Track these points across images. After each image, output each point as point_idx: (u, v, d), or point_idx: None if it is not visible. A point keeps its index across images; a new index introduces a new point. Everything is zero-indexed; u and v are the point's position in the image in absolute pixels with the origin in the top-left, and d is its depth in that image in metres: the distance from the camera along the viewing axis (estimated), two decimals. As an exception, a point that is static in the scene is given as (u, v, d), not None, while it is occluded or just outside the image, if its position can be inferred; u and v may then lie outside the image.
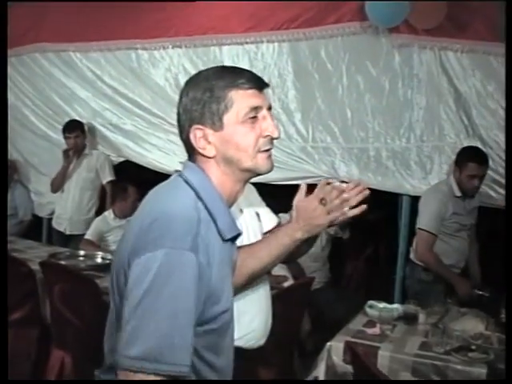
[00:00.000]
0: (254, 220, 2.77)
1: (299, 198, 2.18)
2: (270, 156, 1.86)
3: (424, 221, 4.56)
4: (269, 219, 2.91)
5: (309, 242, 2.26)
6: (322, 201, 2.12)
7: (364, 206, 2.15)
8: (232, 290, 1.88)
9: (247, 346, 2.71)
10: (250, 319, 2.72)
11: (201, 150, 1.79)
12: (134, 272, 1.61)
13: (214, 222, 1.75)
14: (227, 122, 1.76)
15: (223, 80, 1.76)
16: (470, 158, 4.47)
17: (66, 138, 6.15)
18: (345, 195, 2.12)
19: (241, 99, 1.76)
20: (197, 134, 1.78)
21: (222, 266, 1.75)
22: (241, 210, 2.35)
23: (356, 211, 2.14)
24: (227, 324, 1.82)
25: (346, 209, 2.12)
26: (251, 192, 2.81)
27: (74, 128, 6.16)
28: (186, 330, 1.60)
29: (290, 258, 2.36)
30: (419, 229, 4.58)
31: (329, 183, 2.17)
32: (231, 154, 1.78)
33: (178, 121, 1.83)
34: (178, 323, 1.58)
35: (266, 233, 2.70)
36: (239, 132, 1.77)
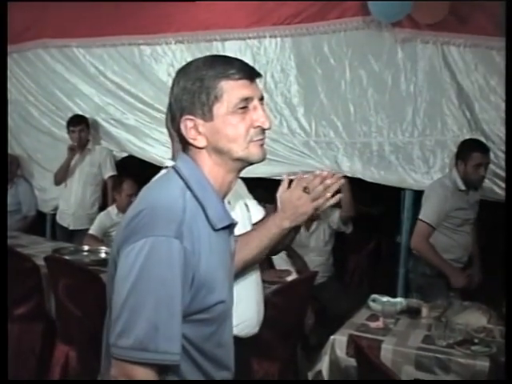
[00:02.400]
0: (244, 211, 2.79)
1: (282, 189, 2.26)
2: (262, 145, 1.82)
3: (424, 212, 4.58)
4: (257, 210, 2.94)
5: (295, 230, 2.35)
6: (306, 189, 2.18)
7: (340, 195, 2.21)
8: (230, 282, 1.90)
9: (242, 334, 2.72)
10: (244, 308, 2.73)
11: (191, 141, 1.79)
12: (121, 262, 1.64)
13: (204, 211, 1.75)
14: (217, 113, 1.75)
15: (214, 70, 1.75)
16: (474, 148, 4.52)
17: (70, 131, 6.17)
18: (327, 181, 2.17)
19: (231, 90, 1.74)
20: (187, 125, 1.77)
21: (214, 255, 1.75)
22: (229, 202, 2.38)
23: (336, 199, 2.20)
24: (224, 315, 1.82)
25: (329, 195, 2.17)
26: (239, 184, 2.84)
27: (78, 122, 6.18)
28: (174, 318, 1.62)
29: (278, 247, 2.45)
30: (418, 219, 4.61)
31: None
32: (222, 145, 1.77)
33: (170, 110, 1.84)
34: (166, 311, 1.60)
35: (254, 224, 2.73)
36: (229, 122, 1.75)
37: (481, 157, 4.48)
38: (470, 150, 4.52)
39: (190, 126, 1.77)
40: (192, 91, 1.75)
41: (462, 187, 4.58)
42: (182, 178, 1.78)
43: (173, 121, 1.84)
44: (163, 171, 2.57)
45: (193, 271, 1.67)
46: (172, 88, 1.82)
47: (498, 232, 4.62)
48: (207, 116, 1.75)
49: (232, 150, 1.77)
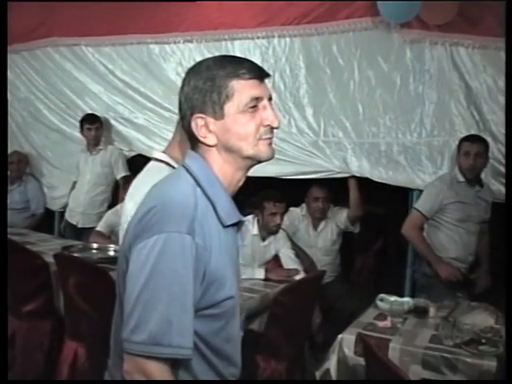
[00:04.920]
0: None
1: None
2: (270, 144, 1.85)
3: (419, 202, 4.74)
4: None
5: None
6: None
7: None
8: (238, 278, 1.92)
9: None
10: None
11: (202, 139, 1.81)
12: (134, 258, 1.66)
13: (214, 208, 1.78)
14: (228, 111, 1.77)
15: (224, 70, 1.77)
16: (464, 139, 4.66)
17: (86, 129, 6.21)
18: None
19: (242, 89, 1.77)
20: (198, 123, 1.80)
21: (224, 251, 1.77)
22: None
23: None
24: (232, 310, 1.84)
25: None
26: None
27: (94, 120, 6.23)
28: (187, 313, 1.65)
29: None
30: (413, 208, 4.77)
31: None
32: (232, 143, 1.80)
33: (180, 109, 1.87)
34: (179, 306, 1.63)
35: None
36: (240, 121, 1.78)
37: (468, 145, 4.58)
38: (461, 141, 4.65)
39: (200, 124, 1.80)
40: (203, 90, 1.78)
41: (461, 178, 4.64)
42: (191, 175, 1.80)
43: (183, 119, 1.86)
44: (152, 163, 2.57)
45: (204, 267, 1.69)
46: (182, 87, 1.85)
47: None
48: (218, 114, 1.78)
49: (242, 148, 1.80)
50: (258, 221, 4.86)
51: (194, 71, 1.82)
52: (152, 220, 1.67)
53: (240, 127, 1.78)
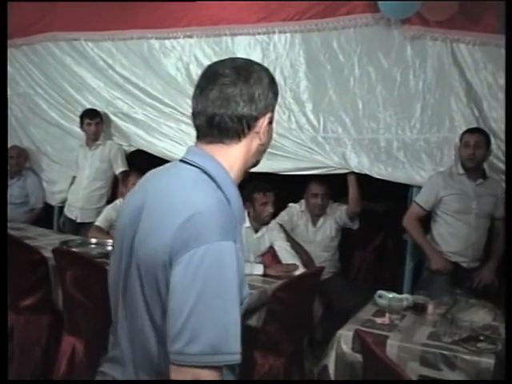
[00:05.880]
0: None
1: None
2: None
3: (418, 195, 4.85)
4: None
5: None
6: None
7: None
8: None
9: None
10: None
11: (261, 135, 1.86)
12: (182, 269, 1.62)
13: (232, 208, 1.76)
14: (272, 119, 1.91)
15: (275, 85, 1.91)
16: (464, 132, 4.72)
17: (86, 124, 6.22)
18: None
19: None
20: (264, 122, 1.85)
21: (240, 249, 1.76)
22: None
23: None
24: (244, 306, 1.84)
25: None
26: None
27: (94, 115, 6.24)
28: (238, 318, 1.65)
29: None
30: (413, 201, 4.88)
31: None
32: (267, 144, 1.92)
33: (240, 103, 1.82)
34: (231, 312, 1.63)
35: None
36: (272, 129, 1.91)
37: (468, 136, 4.65)
38: (463, 134, 4.71)
39: (265, 123, 1.85)
40: (269, 96, 1.85)
41: (461, 171, 4.69)
42: (211, 178, 1.78)
43: (239, 118, 1.82)
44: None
45: (241, 269, 1.69)
46: (250, 81, 1.83)
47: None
48: (271, 118, 1.88)
49: (265, 151, 1.93)
50: (249, 213, 4.87)
51: (255, 74, 1.85)
52: (195, 229, 1.63)
53: (271, 133, 1.92)
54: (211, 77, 1.82)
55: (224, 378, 1.68)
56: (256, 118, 1.82)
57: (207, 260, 1.60)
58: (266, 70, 1.89)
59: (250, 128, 1.82)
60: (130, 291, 1.79)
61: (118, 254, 1.84)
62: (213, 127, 1.80)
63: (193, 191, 1.75)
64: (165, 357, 1.65)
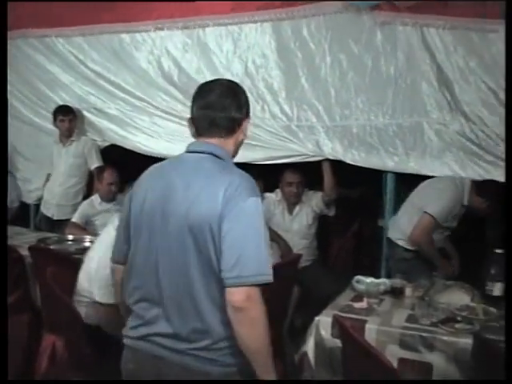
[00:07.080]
0: None
1: None
2: None
3: (434, 208, 4.66)
4: None
5: None
6: None
7: None
8: None
9: None
10: None
11: (245, 137, 2.57)
12: (233, 218, 2.23)
13: None
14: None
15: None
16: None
17: (59, 121, 6.20)
18: None
19: None
20: (246, 122, 2.55)
21: None
22: None
23: None
24: None
25: None
26: None
27: (67, 111, 6.22)
28: (267, 249, 2.27)
29: None
30: (426, 213, 4.67)
31: None
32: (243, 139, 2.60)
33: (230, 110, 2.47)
34: (265, 246, 2.25)
35: None
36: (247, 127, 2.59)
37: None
38: None
39: (247, 122, 2.56)
40: (247, 103, 2.56)
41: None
42: (222, 160, 2.45)
43: (233, 120, 2.48)
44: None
45: None
46: (237, 94, 2.52)
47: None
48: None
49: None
50: None
51: (239, 86, 2.58)
52: (245, 188, 2.29)
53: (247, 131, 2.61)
54: (208, 91, 2.47)
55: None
56: (242, 119, 2.50)
57: (259, 206, 2.29)
58: (241, 86, 2.58)
59: (238, 126, 2.50)
60: (177, 249, 2.32)
61: (147, 226, 2.40)
62: (213, 126, 2.45)
63: (227, 170, 2.40)
64: (206, 294, 2.29)
